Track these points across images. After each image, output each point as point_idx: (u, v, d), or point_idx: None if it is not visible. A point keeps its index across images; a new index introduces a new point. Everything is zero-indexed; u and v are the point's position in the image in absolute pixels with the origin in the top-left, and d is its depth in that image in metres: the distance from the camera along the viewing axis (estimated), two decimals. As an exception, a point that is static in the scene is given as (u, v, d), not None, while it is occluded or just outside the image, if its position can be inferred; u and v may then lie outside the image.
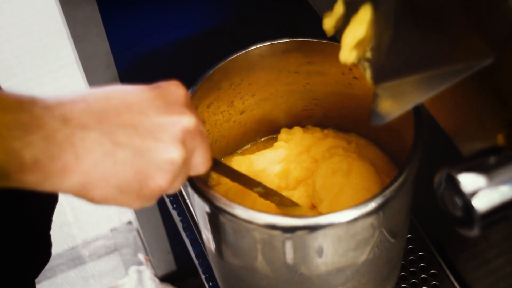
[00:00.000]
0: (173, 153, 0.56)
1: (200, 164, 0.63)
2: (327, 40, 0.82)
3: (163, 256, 1.73)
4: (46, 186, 0.52)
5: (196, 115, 0.60)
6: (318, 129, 0.97)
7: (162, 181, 0.57)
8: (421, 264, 0.96)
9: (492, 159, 0.52)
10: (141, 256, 1.90)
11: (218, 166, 0.72)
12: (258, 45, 0.83)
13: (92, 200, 0.54)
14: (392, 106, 0.59)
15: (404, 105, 0.57)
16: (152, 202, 0.58)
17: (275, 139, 0.98)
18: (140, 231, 1.81)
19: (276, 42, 0.83)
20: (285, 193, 0.87)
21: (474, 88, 0.56)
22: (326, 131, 0.97)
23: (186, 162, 0.58)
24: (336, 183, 0.84)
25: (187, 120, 0.58)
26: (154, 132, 0.56)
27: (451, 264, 0.95)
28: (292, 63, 0.86)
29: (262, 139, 1.00)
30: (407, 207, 0.76)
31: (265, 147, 0.97)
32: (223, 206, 0.69)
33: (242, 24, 1.11)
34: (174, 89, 0.60)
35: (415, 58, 0.58)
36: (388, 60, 0.61)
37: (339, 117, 0.95)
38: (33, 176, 0.50)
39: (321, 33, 0.81)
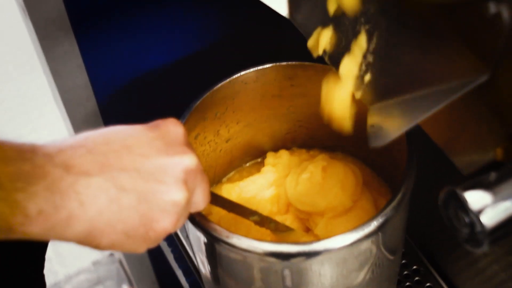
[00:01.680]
0: (177, 195, 0.56)
1: (201, 201, 0.62)
2: (309, 62, 0.82)
3: (149, 286, 1.71)
4: (51, 236, 0.51)
5: (195, 152, 0.60)
6: (303, 150, 0.97)
7: (167, 223, 0.56)
8: (416, 278, 0.96)
9: (494, 175, 0.53)
10: (125, 288, 1.88)
11: (215, 199, 0.71)
12: (242, 73, 0.83)
13: (97, 247, 0.54)
14: (389, 127, 0.59)
15: (401, 126, 0.57)
16: (157, 244, 0.58)
17: (260, 164, 0.98)
18: (123, 262, 1.79)
19: (259, 68, 0.83)
20: (278, 217, 0.86)
21: (468, 104, 0.56)
22: (312, 152, 0.97)
23: (188, 201, 0.58)
24: (313, 184, 0.85)
25: (188, 160, 0.58)
26: (156, 174, 0.55)
27: (446, 276, 0.96)
28: (275, 87, 0.87)
29: (247, 164, 1.00)
30: (404, 224, 0.76)
31: (250, 173, 0.97)
32: (221, 236, 0.69)
33: (222, 49, 1.11)
34: (173, 127, 0.60)
35: (409, 77, 0.58)
36: (382, 80, 0.62)
37: (324, 136, 0.95)
38: (37, 227, 0.49)
39: (303, 55, 0.81)
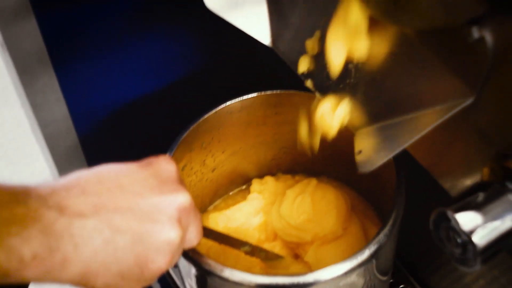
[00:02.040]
0: (171, 233, 0.56)
1: (194, 238, 0.62)
2: (293, 90, 0.83)
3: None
4: (47, 279, 0.50)
5: (187, 189, 0.60)
6: (289, 176, 0.98)
7: (162, 262, 0.56)
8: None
9: (482, 195, 0.54)
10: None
11: (206, 232, 0.72)
12: (227, 103, 0.83)
13: None
14: (377, 153, 0.60)
15: (389, 152, 0.58)
16: (151, 283, 0.58)
17: (245, 191, 0.99)
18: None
19: (244, 98, 0.84)
20: (266, 245, 0.87)
21: (454, 126, 0.57)
22: (297, 177, 0.97)
23: (182, 239, 0.58)
24: (301, 206, 0.85)
25: (182, 198, 0.58)
26: (151, 214, 0.55)
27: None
28: (260, 115, 0.87)
29: (233, 192, 1.00)
30: (395, 246, 0.77)
31: (236, 200, 0.98)
32: (214, 270, 0.69)
33: (203, 79, 1.12)
34: (165, 165, 0.60)
35: (394, 102, 0.59)
36: (367, 105, 0.63)
37: (309, 161, 0.96)
38: (33, 271, 0.49)
39: (286, 83, 0.82)
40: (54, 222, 0.50)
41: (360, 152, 0.61)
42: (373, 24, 0.58)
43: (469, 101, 0.52)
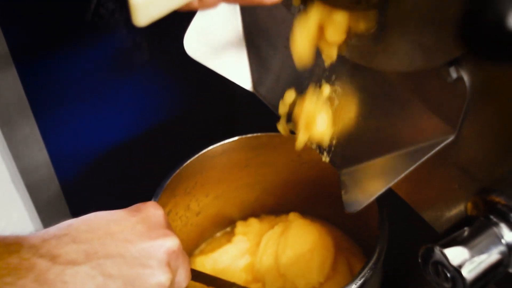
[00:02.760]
0: (161, 277, 0.57)
1: (183, 280, 0.63)
2: (273, 132, 0.85)
3: None
4: None
5: (175, 234, 0.61)
6: (272, 217, 0.98)
7: None
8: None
9: (467, 230, 0.55)
10: None
11: (195, 275, 0.72)
12: (210, 148, 0.84)
13: None
14: (362, 193, 0.61)
15: (374, 192, 0.59)
16: None
17: (230, 233, 0.99)
18: None
19: (225, 142, 0.85)
20: (253, 286, 0.87)
21: (436, 162, 0.58)
22: (282, 217, 0.98)
23: (172, 282, 0.59)
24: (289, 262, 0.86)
25: (170, 242, 0.59)
26: (141, 259, 0.56)
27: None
28: (242, 158, 0.88)
29: (218, 235, 1.00)
30: (380, 278, 0.78)
31: (221, 243, 0.98)
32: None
33: (182, 125, 1.13)
34: (153, 211, 0.61)
35: (377, 142, 0.61)
36: (350, 146, 0.64)
37: (292, 202, 0.97)
38: None
39: (265, 126, 0.84)
40: (47, 270, 0.50)
41: (346, 192, 0.63)
42: (352, 66, 0.60)
43: (450, 138, 0.54)
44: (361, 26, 0.53)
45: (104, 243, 0.55)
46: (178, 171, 0.82)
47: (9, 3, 0.88)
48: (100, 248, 0.54)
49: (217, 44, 0.72)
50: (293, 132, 0.73)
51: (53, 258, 0.51)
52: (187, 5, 0.49)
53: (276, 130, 0.84)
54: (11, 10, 0.89)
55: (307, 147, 0.69)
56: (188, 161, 0.83)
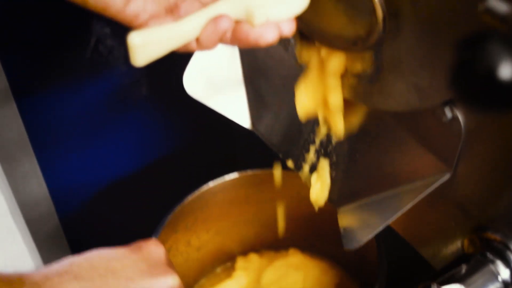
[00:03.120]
0: None
1: None
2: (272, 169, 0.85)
3: None
4: None
5: (176, 272, 0.61)
6: (272, 252, 0.99)
7: None
8: None
9: (464, 267, 0.56)
10: None
11: None
12: (210, 184, 0.85)
13: None
14: (361, 230, 0.61)
15: (372, 229, 0.60)
16: None
17: (230, 268, 0.99)
18: None
19: (226, 178, 0.86)
20: (254, 322, 0.87)
21: (433, 200, 0.59)
22: (281, 252, 0.98)
23: None
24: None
25: (171, 280, 0.59)
26: None
27: None
28: (242, 194, 0.89)
29: (218, 270, 1.01)
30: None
31: (221, 278, 0.98)
32: None
33: (182, 159, 1.13)
34: (154, 249, 0.61)
35: (374, 180, 0.62)
36: (348, 184, 0.65)
37: (292, 237, 0.97)
38: None
39: (265, 162, 0.84)
40: None
41: (344, 229, 0.63)
42: (350, 106, 0.60)
43: (446, 177, 0.55)
44: (358, 66, 0.54)
45: (106, 280, 0.55)
46: (178, 207, 0.83)
47: (10, 39, 0.89)
48: (101, 285, 0.55)
49: (216, 82, 0.73)
50: (290, 169, 0.74)
51: None
52: (185, 46, 0.50)
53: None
54: (11, 46, 0.90)
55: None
56: (189, 198, 0.84)
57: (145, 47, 0.47)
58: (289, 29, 0.50)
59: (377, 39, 0.48)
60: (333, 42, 0.54)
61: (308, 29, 0.55)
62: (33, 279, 0.52)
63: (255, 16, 0.48)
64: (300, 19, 0.51)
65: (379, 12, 0.46)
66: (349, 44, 0.52)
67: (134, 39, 0.46)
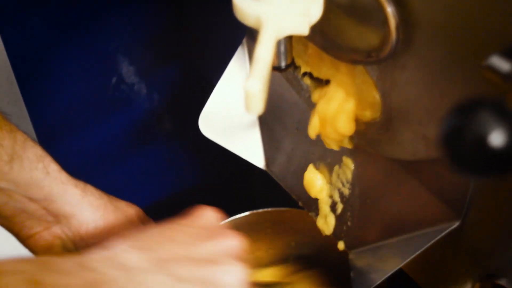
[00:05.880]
0: (235, 270, 0.55)
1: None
2: (285, 207, 0.86)
3: None
4: None
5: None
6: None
7: None
8: None
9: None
10: None
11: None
12: (221, 223, 0.85)
13: None
14: (371, 274, 0.62)
15: (382, 273, 0.61)
16: None
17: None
18: None
19: (237, 217, 0.86)
20: None
21: (444, 246, 0.60)
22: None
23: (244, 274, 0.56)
24: None
25: (232, 238, 0.58)
26: (208, 257, 0.55)
27: None
28: (253, 233, 0.89)
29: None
30: None
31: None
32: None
33: (193, 197, 1.14)
34: (211, 214, 0.61)
35: (385, 226, 0.62)
36: (359, 228, 0.65)
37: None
38: None
39: (276, 201, 0.85)
40: (128, 281, 0.50)
41: (354, 272, 0.64)
42: (360, 153, 0.61)
43: (455, 225, 0.55)
44: (367, 114, 0.55)
45: (166, 248, 0.54)
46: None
47: (35, 81, 0.91)
48: (163, 253, 0.54)
49: (231, 124, 0.74)
50: (303, 208, 0.75)
51: (126, 269, 0.51)
52: None
53: (285, 205, 0.86)
54: (36, 91, 0.92)
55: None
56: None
57: (262, 91, 0.43)
58: None
59: (390, 49, 0.48)
60: (348, 56, 0.53)
61: (323, 45, 0.54)
62: (99, 257, 0.51)
63: None
64: (315, 34, 0.51)
65: (392, 21, 0.46)
66: (363, 57, 0.51)
67: (253, 86, 0.42)
